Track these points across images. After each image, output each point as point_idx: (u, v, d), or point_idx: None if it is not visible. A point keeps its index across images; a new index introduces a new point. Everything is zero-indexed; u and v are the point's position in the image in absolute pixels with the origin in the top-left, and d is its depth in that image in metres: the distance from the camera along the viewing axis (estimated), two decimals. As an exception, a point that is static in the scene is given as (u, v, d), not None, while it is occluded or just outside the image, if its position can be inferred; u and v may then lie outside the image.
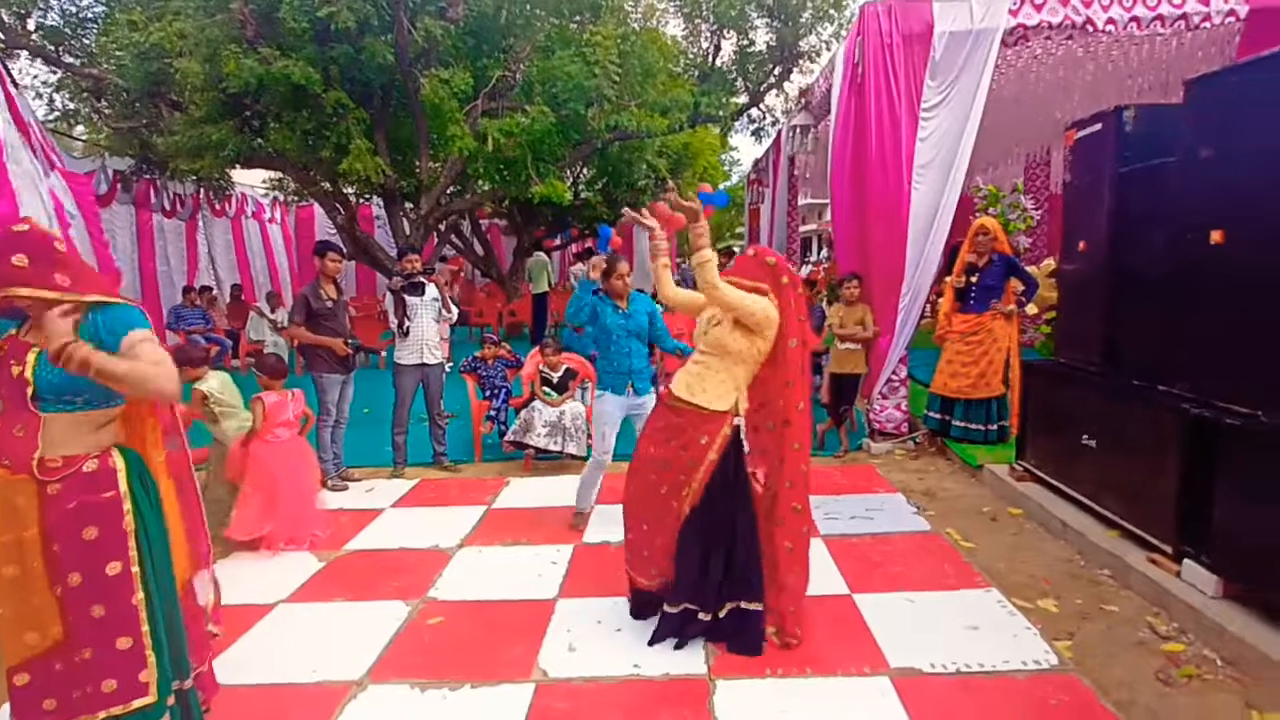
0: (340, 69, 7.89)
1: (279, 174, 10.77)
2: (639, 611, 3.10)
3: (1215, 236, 3.09)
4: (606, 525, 4.20)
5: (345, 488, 5.04)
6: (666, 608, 2.90)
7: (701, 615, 2.83)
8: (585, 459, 5.42)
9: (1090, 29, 5.06)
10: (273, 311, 10.16)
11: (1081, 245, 4.22)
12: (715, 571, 2.80)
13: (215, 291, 11.91)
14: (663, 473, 2.86)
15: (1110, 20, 5.02)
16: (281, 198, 11.98)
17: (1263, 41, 4.18)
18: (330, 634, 3.12)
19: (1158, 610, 3.08)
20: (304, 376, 5.29)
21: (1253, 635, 2.65)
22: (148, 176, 10.23)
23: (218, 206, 12.41)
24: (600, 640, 2.98)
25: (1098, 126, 4.03)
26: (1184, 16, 5.00)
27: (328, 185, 9.41)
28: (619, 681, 2.70)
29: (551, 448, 5.28)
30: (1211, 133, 3.18)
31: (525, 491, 4.96)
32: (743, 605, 2.81)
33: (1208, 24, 5.03)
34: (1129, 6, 5.00)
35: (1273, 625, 2.67)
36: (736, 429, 2.80)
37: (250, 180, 12.97)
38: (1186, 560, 3.09)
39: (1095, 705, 2.49)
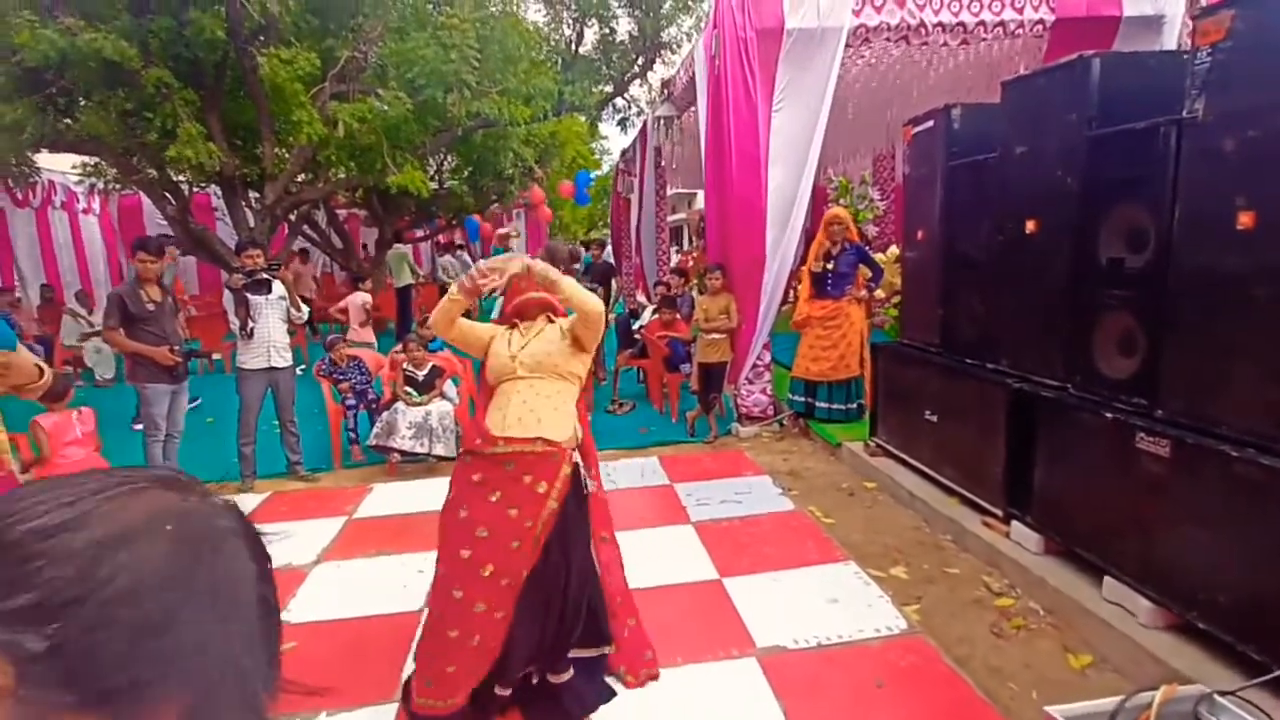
0: (162, 44, 7.10)
1: (94, 159, 9.56)
2: None
3: (1029, 226, 3.40)
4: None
5: (183, 507, 4.57)
6: (498, 690, 2.39)
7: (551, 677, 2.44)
8: (454, 460, 5.25)
9: (923, 31, 5.44)
10: (89, 314, 9.09)
11: (920, 234, 4.54)
12: (551, 633, 2.35)
13: (20, 292, 10.50)
14: (481, 546, 2.23)
15: (939, 24, 5.42)
16: (99, 185, 10.62)
17: (1064, 49, 4.63)
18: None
19: (991, 569, 3.37)
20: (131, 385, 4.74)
21: (1068, 586, 2.95)
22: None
23: (20, 196, 10.88)
24: (469, 649, 2.88)
25: (930, 123, 4.32)
26: (1002, 24, 5.48)
27: (154, 173, 8.48)
28: (489, 691, 2.61)
29: (418, 450, 5.05)
30: (1023, 130, 3.49)
31: (390, 498, 4.71)
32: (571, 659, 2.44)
33: (1021, 31, 5.54)
34: (956, 12, 5.41)
35: (1083, 576, 2.98)
36: (576, 467, 2.33)
37: (59, 166, 11.44)
38: (1014, 522, 3.39)
39: (939, 662, 2.69)
